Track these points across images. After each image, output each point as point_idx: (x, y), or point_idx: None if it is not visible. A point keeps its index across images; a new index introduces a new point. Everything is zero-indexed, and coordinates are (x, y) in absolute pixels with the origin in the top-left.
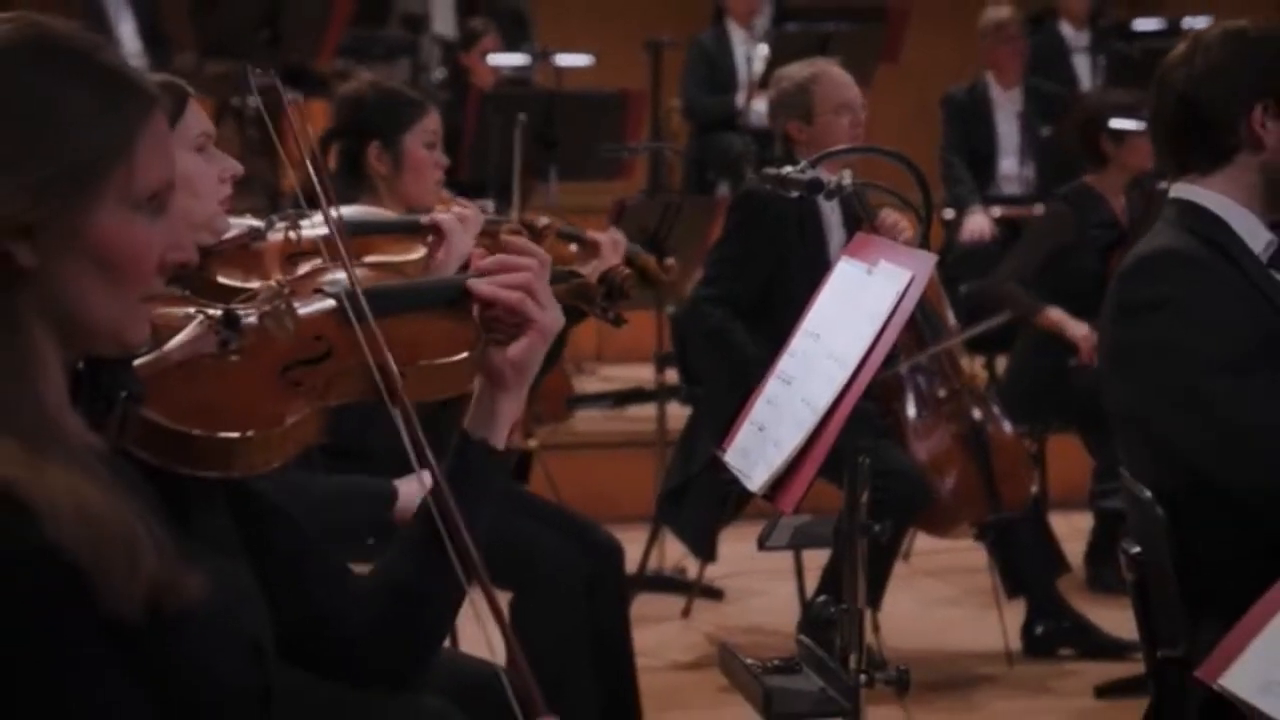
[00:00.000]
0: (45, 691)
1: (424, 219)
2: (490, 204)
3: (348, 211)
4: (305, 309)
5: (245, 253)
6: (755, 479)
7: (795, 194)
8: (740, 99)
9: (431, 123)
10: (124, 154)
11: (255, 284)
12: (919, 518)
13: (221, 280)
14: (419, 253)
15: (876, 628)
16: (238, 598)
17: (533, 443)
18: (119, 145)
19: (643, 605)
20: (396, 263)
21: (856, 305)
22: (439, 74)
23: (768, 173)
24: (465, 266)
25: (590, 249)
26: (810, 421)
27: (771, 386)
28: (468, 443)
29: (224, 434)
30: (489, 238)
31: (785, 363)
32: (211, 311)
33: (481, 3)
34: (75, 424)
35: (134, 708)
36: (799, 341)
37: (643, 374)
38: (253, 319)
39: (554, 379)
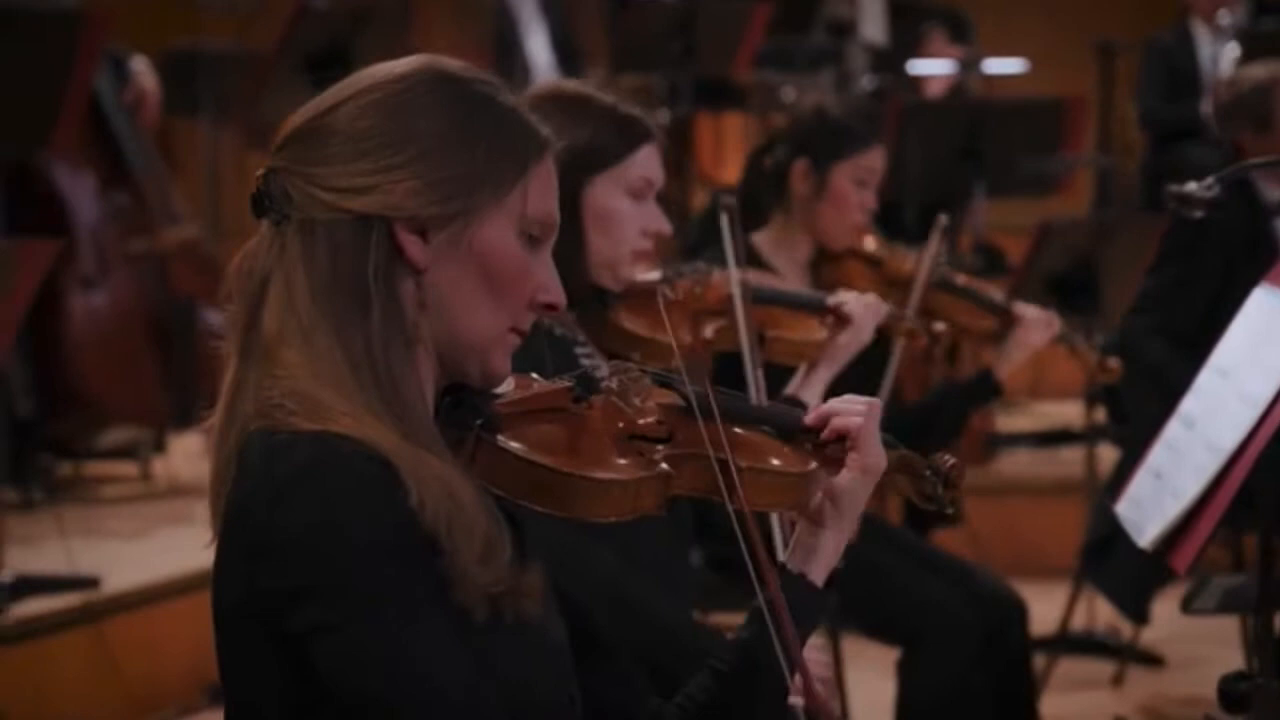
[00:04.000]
0: (377, 629)
1: (830, 301)
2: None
3: (754, 277)
4: (655, 391)
5: (654, 304)
6: (1147, 532)
7: (1199, 214)
8: (1204, 105)
9: (870, 161)
10: (520, 178)
11: (658, 337)
12: None
13: (626, 326)
14: (820, 334)
15: None
16: (556, 647)
17: None
18: (516, 168)
19: (1068, 669)
20: (796, 341)
21: (1273, 340)
22: (866, 83)
23: (1171, 190)
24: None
25: (1008, 320)
26: (1211, 468)
27: (1171, 429)
28: (785, 576)
29: (571, 470)
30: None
31: (1188, 403)
32: (567, 378)
33: (915, 5)
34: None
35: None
36: (1205, 379)
37: (1077, 411)
38: (603, 388)
39: (975, 418)
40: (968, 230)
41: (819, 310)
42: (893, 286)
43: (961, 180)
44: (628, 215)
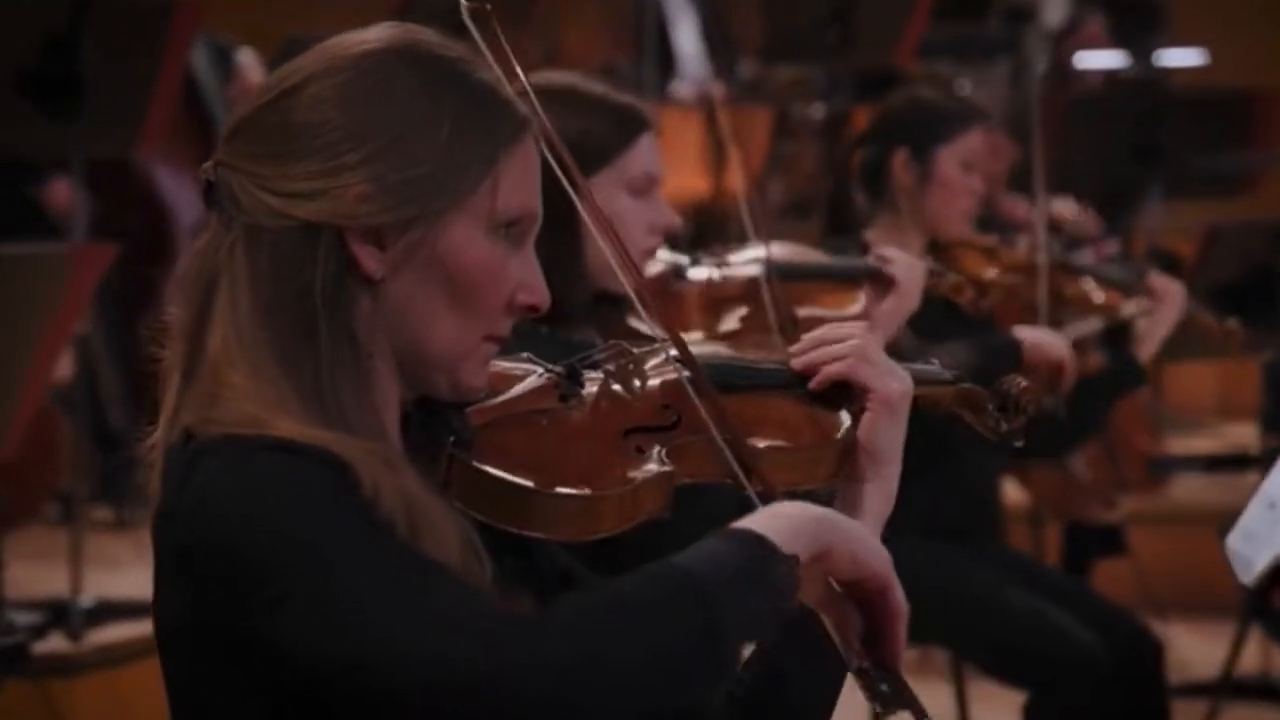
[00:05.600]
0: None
1: (870, 262)
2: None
3: (783, 251)
4: (653, 373)
5: (664, 296)
6: (1255, 567)
7: None
8: None
9: (975, 140)
10: (487, 171)
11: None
12: None
13: (631, 324)
14: (856, 305)
15: None
16: None
17: (1116, 513)
18: (483, 161)
19: (1236, 716)
20: (834, 316)
21: None
22: (1043, 71)
23: None
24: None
25: (1138, 293)
26: None
27: None
28: None
29: (560, 489)
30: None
31: None
32: (554, 367)
33: None
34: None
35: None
36: None
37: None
38: (597, 376)
39: (1138, 438)
40: (1140, 233)
41: (856, 278)
42: (1013, 273)
43: (1135, 180)
44: (631, 214)
